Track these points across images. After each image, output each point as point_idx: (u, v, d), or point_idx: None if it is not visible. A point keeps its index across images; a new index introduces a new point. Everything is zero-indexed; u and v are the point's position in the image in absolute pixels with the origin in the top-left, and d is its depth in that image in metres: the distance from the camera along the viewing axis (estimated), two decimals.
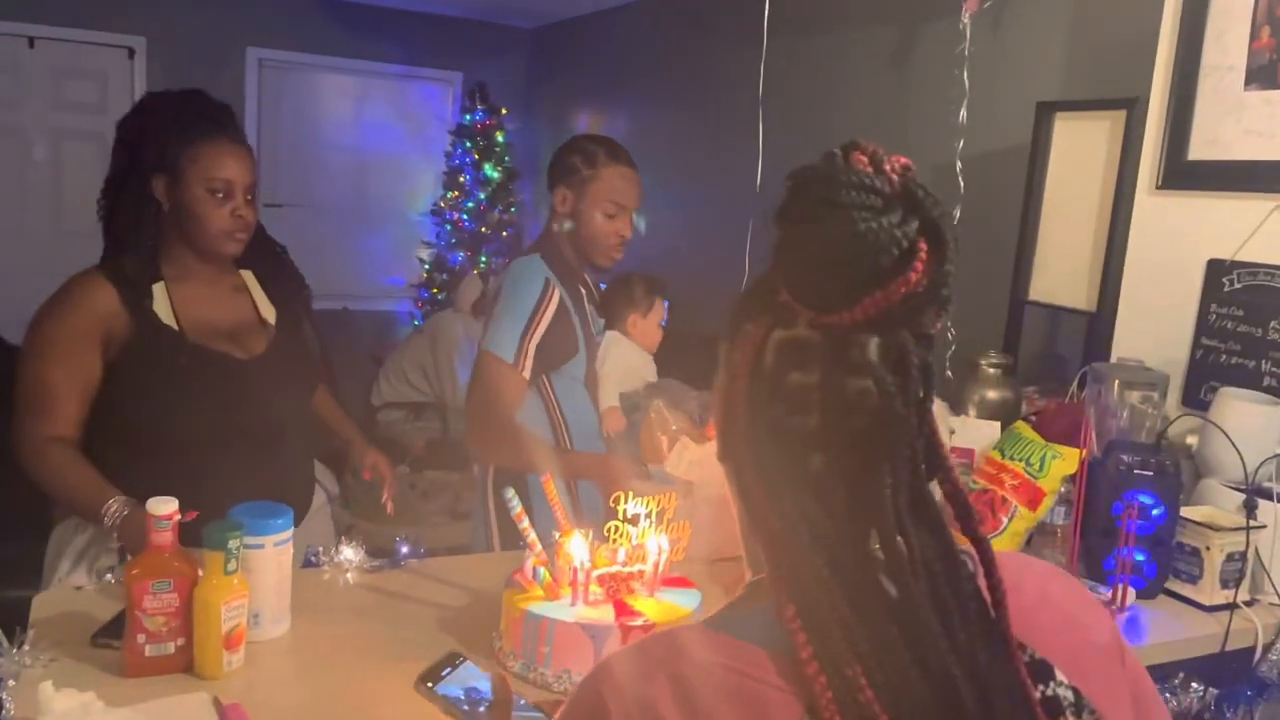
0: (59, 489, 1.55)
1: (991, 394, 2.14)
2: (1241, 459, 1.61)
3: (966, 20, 2.66)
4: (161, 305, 1.62)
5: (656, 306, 2.94)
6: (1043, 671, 0.70)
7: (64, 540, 1.64)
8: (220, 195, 1.62)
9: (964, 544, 0.68)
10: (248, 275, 1.79)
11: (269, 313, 1.78)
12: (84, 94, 5.47)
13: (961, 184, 2.71)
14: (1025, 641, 0.69)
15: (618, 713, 0.63)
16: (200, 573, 1.17)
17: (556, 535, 1.29)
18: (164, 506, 1.16)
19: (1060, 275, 2.48)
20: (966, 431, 1.88)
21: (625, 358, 2.98)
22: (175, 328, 1.62)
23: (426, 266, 5.93)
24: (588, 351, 2.05)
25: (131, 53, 5.46)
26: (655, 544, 1.28)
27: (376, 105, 6.12)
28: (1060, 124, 2.47)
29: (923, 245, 0.62)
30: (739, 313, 0.71)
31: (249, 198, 1.66)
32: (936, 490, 0.68)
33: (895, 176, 0.64)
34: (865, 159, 0.65)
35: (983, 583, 0.67)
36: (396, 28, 5.89)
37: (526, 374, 1.89)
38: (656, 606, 1.25)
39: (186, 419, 1.60)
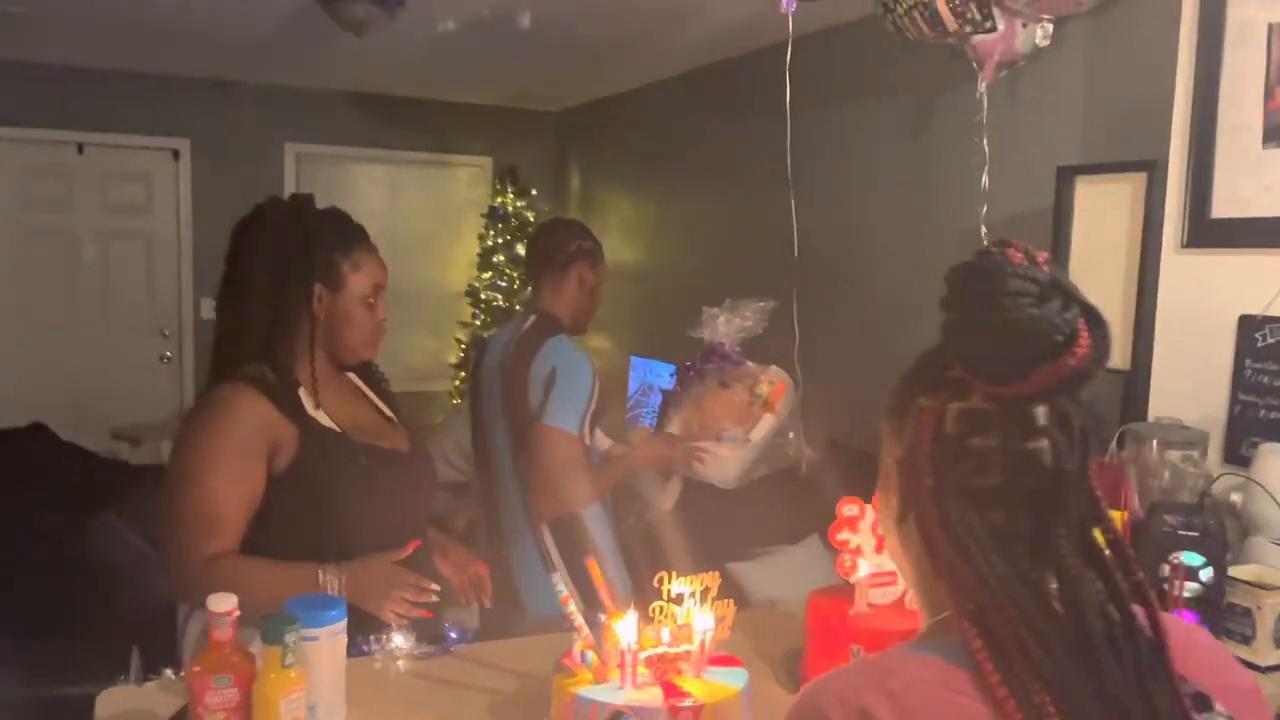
0: (250, 598, 1.43)
1: None
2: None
3: (983, 89, 2.72)
4: (319, 410, 1.64)
5: None
6: (1202, 702, 0.78)
7: (196, 630, 1.65)
8: (371, 302, 1.68)
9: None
10: (353, 377, 1.82)
11: (389, 410, 1.82)
12: (131, 196, 5.69)
13: None
14: (1185, 675, 0.77)
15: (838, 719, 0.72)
16: (259, 667, 1.21)
17: (603, 617, 1.31)
18: (224, 603, 1.20)
19: None
20: None
21: None
22: (339, 430, 1.64)
23: (463, 346, 6.03)
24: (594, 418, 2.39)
25: (176, 154, 5.68)
26: (701, 623, 1.29)
27: (410, 192, 6.30)
28: (1081, 187, 2.51)
29: (1083, 327, 0.74)
30: (907, 390, 0.84)
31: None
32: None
33: (1045, 268, 0.76)
34: (1020, 254, 0.76)
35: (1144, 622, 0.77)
36: (427, 117, 6.08)
37: (588, 442, 2.28)
38: (704, 686, 1.26)
39: (368, 518, 1.61)
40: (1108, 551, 0.78)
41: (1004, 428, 0.76)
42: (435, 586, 1.54)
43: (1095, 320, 0.75)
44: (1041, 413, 0.76)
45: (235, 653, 1.20)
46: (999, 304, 0.75)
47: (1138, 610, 0.77)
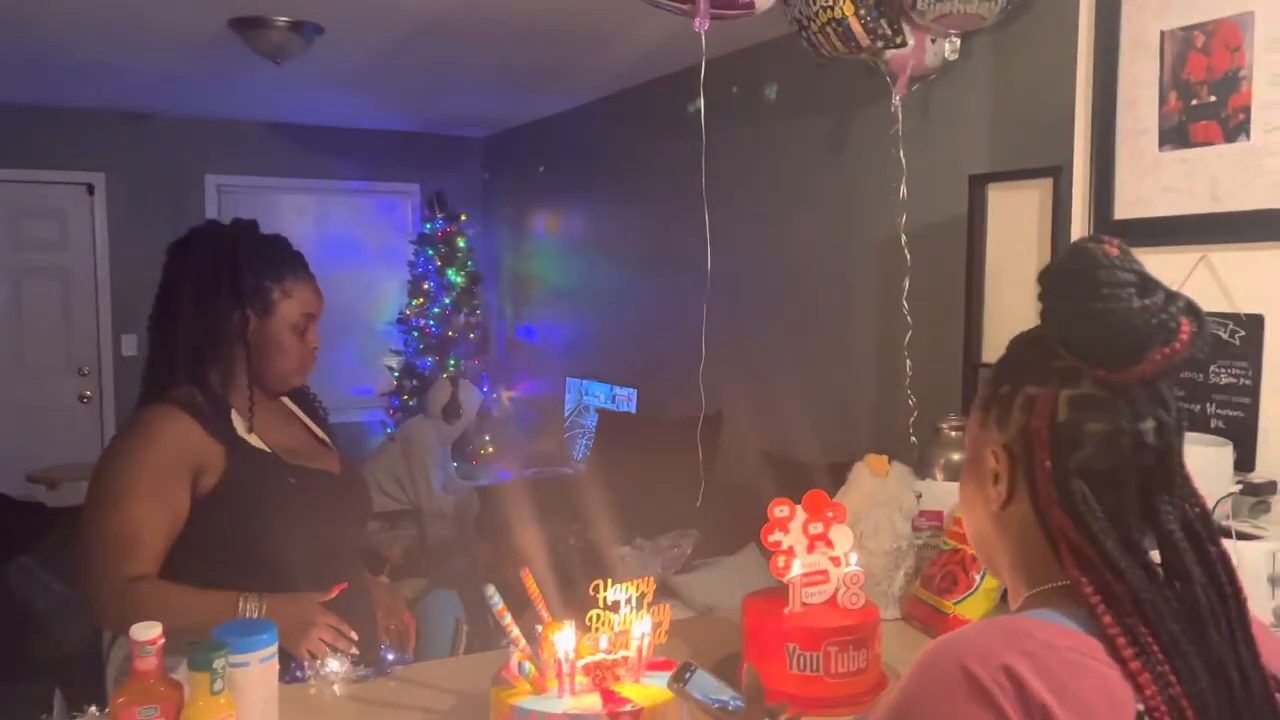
0: (167, 622, 1.41)
1: (955, 456, 2.18)
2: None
3: (897, 102, 2.80)
4: (249, 432, 1.62)
5: None
6: (1277, 684, 0.84)
7: (118, 658, 1.61)
8: (300, 329, 1.66)
9: None
10: (287, 401, 1.80)
11: (321, 433, 1.80)
12: (44, 231, 5.53)
13: (908, 256, 2.81)
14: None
15: (985, 677, 0.74)
16: (186, 695, 1.18)
17: (539, 628, 1.31)
18: (148, 631, 1.17)
19: (1008, 336, 2.56)
20: (934, 494, 1.92)
21: None
22: (269, 451, 1.63)
23: (396, 374, 5.96)
24: None
25: (91, 188, 5.54)
26: (639, 629, 1.30)
27: (337, 220, 6.23)
28: (993, 194, 2.60)
29: (1184, 320, 0.80)
30: (1008, 380, 0.89)
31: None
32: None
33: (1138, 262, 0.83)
34: (1114, 248, 0.83)
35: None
36: (351, 146, 6.04)
37: None
38: (643, 691, 1.27)
39: (297, 539, 1.58)
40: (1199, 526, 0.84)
41: (1116, 411, 0.82)
42: (353, 635, 1.51)
43: (1194, 310, 0.81)
44: (1150, 395, 0.83)
45: (161, 682, 1.17)
46: (1107, 294, 0.80)
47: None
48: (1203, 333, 0.81)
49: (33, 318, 5.49)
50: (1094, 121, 2.15)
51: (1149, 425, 0.83)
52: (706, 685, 1.18)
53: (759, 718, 1.10)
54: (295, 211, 6.06)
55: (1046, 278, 0.86)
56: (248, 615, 1.46)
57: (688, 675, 1.19)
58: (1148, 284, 0.82)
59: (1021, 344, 0.92)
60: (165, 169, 5.60)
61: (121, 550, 1.51)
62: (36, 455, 4.83)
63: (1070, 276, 0.84)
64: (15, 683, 2.29)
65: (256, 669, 1.26)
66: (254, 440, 1.63)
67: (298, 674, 1.51)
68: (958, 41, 2.70)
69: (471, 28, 3.74)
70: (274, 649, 1.29)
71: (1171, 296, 0.81)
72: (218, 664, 1.17)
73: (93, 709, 1.40)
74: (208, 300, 1.62)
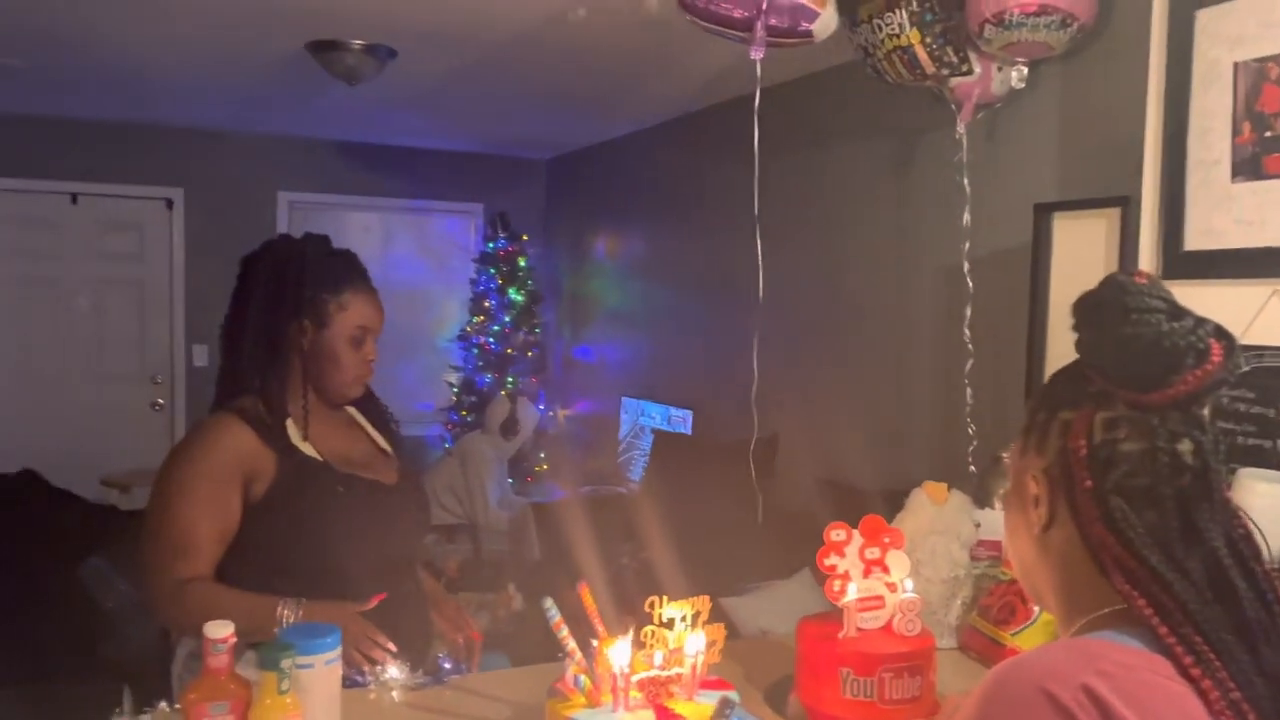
0: (207, 620, 1.54)
1: None
2: (1264, 539, 1.62)
3: (962, 130, 2.79)
4: (300, 440, 1.66)
5: None
6: None
7: (191, 655, 1.65)
8: (358, 341, 1.69)
9: None
10: (352, 410, 1.84)
11: (384, 444, 1.83)
12: (124, 244, 5.73)
13: (970, 284, 2.80)
14: None
15: (1067, 698, 0.75)
16: (254, 694, 1.22)
17: (595, 642, 1.33)
18: (220, 630, 1.21)
19: None
20: (993, 524, 1.91)
21: None
22: (321, 460, 1.66)
23: (455, 390, 6.05)
24: None
25: (170, 203, 5.74)
26: (693, 645, 1.31)
27: (402, 238, 6.36)
28: (1059, 223, 2.57)
29: (1214, 342, 0.82)
30: (1045, 407, 0.92)
31: (374, 342, 1.74)
32: None
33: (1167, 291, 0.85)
34: (1144, 278, 0.86)
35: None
36: (418, 165, 6.17)
37: None
38: (696, 709, 1.28)
39: (346, 547, 1.61)
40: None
41: (1151, 432, 0.84)
42: (390, 646, 1.52)
43: (1224, 334, 0.84)
44: (1184, 417, 0.85)
45: (231, 680, 1.22)
46: (1136, 319, 0.83)
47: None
48: (1233, 355, 0.83)
49: (111, 327, 5.69)
50: (1164, 152, 2.12)
51: (1186, 446, 0.84)
52: None
53: None
54: (362, 229, 6.20)
55: (1079, 307, 0.89)
56: (285, 621, 1.49)
57: (728, 712, 1.20)
58: (1177, 310, 0.84)
59: (1058, 374, 0.95)
60: (240, 185, 5.78)
61: (175, 552, 1.57)
62: (110, 459, 4.99)
63: (1100, 304, 0.87)
64: (85, 681, 2.36)
65: (321, 671, 1.30)
66: (307, 449, 1.67)
67: (358, 679, 1.54)
68: (1025, 70, 2.69)
69: (538, 53, 3.81)
70: (338, 652, 1.33)
71: (1201, 321, 0.84)
72: (285, 664, 1.21)
73: (163, 704, 1.45)
74: (269, 312, 1.67)
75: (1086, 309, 0.89)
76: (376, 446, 1.84)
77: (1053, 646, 0.86)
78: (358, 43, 3.69)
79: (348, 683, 1.54)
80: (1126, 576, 0.84)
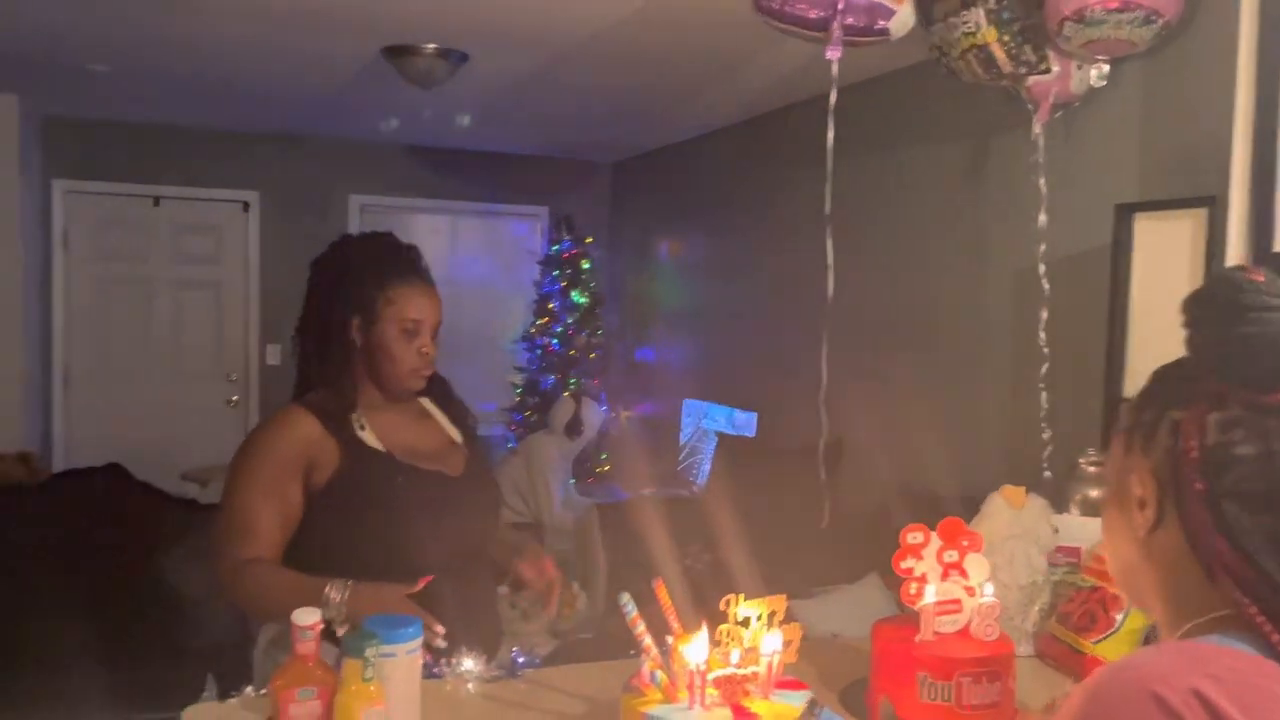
0: (266, 600, 1.60)
1: (1093, 492, 2.12)
2: None
3: (1038, 129, 2.74)
4: (365, 431, 1.70)
5: None
6: None
7: (271, 643, 1.71)
8: (412, 334, 1.72)
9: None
10: (426, 401, 1.87)
11: (455, 435, 1.86)
12: (203, 246, 5.91)
13: (1046, 286, 2.75)
14: None
15: (1177, 701, 0.73)
16: (339, 681, 1.25)
17: (669, 639, 1.33)
18: (308, 617, 1.24)
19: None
20: (1071, 529, 1.87)
21: None
22: (383, 450, 1.70)
23: (519, 390, 6.11)
24: None
25: (246, 206, 5.90)
26: (768, 645, 1.31)
27: (469, 240, 6.45)
28: (1140, 224, 2.51)
29: None
30: (1150, 406, 0.89)
31: (435, 335, 1.76)
32: None
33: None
34: (1260, 276, 0.83)
35: None
36: (485, 169, 6.25)
37: None
38: (771, 708, 1.28)
39: (404, 536, 1.65)
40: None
41: (1268, 433, 0.82)
42: (440, 629, 1.53)
43: None
44: None
45: (318, 666, 1.25)
46: (1254, 318, 0.81)
47: None
48: None
49: (190, 327, 5.87)
50: (1254, 150, 2.07)
51: None
52: None
53: None
54: (431, 231, 6.29)
55: (1190, 305, 0.87)
56: (331, 601, 1.51)
57: (817, 712, 1.20)
58: None
59: (1165, 372, 0.92)
60: (313, 188, 5.91)
61: (237, 534, 1.63)
62: (189, 454, 5.14)
63: (1214, 302, 0.85)
64: (169, 669, 2.44)
65: (403, 660, 1.32)
66: (370, 439, 1.70)
67: (434, 670, 1.57)
68: (1106, 68, 2.63)
69: (609, 54, 3.84)
70: (419, 642, 1.36)
71: None
72: (370, 653, 1.23)
73: (249, 689, 1.50)
74: (325, 310, 1.74)
75: (1199, 306, 0.86)
76: (448, 438, 1.86)
77: (1160, 649, 0.84)
78: (431, 47, 3.75)
79: (424, 674, 1.57)
80: (1238, 582, 0.82)
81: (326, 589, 1.53)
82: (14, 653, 2.52)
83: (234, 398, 5.85)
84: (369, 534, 1.65)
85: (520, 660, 1.61)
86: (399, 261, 1.75)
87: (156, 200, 5.77)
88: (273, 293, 5.71)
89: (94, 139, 5.49)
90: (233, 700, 1.47)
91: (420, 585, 1.54)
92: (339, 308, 1.72)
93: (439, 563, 1.65)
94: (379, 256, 1.76)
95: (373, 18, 3.47)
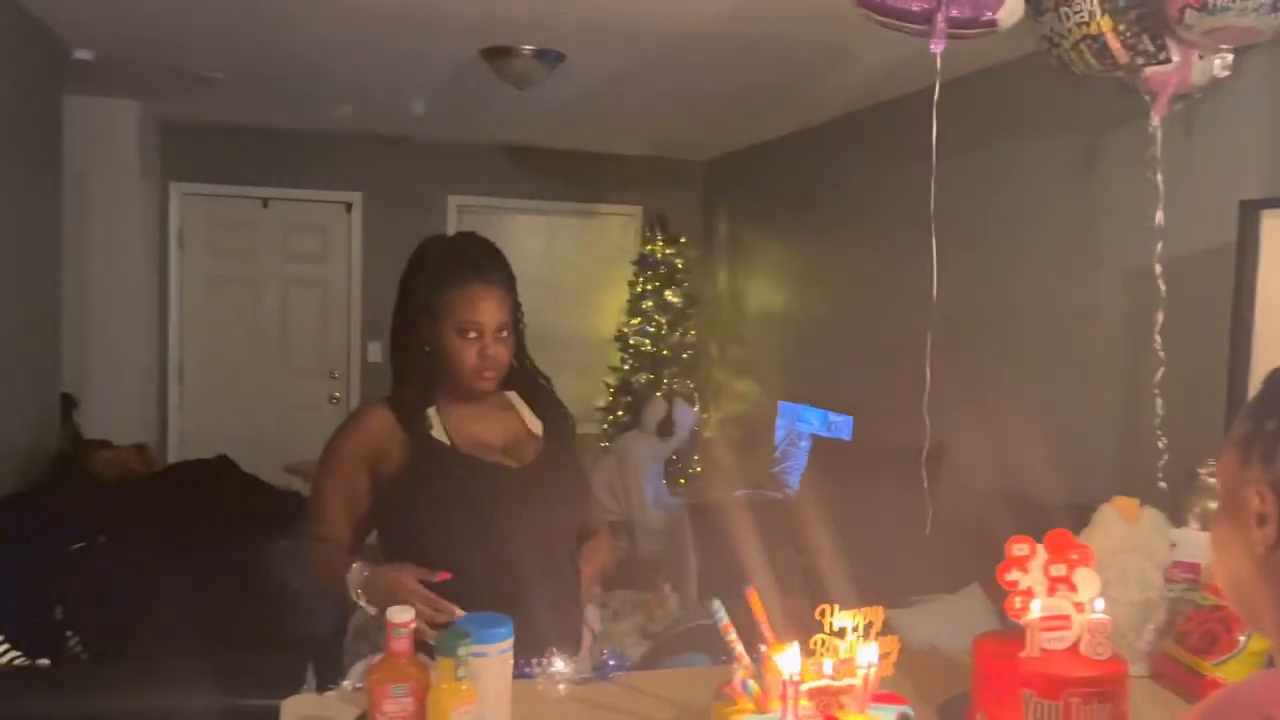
0: (321, 574, 1.72)
1: (1214, 505, 2.00)
2: None
3: (1156, 123, 2.61)
4: (436, 425, 1.76)
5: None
6: None
7: (357, 632, 1.78)
8: (473, 336, 1.73)
9: None
10: (513, 395, 1.88)
11: (536, 426, 1.86)
12: (309, 246, 6.10)
13: (1163, 287, 2.61)
14: None
15: None
16: (433, 678, 1.26)
17: (763, 648, 1.30)
18: (403, 614, 1.26)
19: None
20: (1190, 544, 1.77)
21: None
22: (448, 443, 1.74)
23: (612, 390, 6.13)
24: None
25: (349, 207, 6.06)
26: (865, 657, 1.27)
27: (565, 240, 6.50)
28: (1268, 221, 2.37)
29: None
30: (1266, 417, 0.86)
31: (503, 334, 1.76)
32: None
33: None
34: None
35: None
36: (578, 168, 6.28)
37: None
38: None
39: (457, 528, 1.68)
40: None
41: None
42: (456, 611, 1.52)
43: None
44: None
45: (411, 663, 1.26)
46: None
47: None
48: None
49: (296, 324, 6.07)
50: None
51: None
52: None
53: None
54: (528, 231, 6.36)
55: None
56: (353, 579, 1.59)
57: None
58: None
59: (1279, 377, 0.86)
60: (413, 189, 6.04)
61: (313, 517, 1.77)
62: (293, 448, 5.30)
63: None
64: (273, 656, 2.51)
65: (495, 659, 1.33)
66: (437, 433, 1.75)
67: (525, 670, 1.57)
68: (1230, 57, 2.49)
69: (705, 49, 3.81)
70: (510, 642, 1.36)
71: None
72: (463, 651, 1.24)
73: (346, 683, 1.53)
74: (399, 311, 1.80)
75: None
76: (526, 431, 1.85)
77: (1276, 672, 0.78)
78: (528, 48, 3.78)
79: (516, 674, 1.57)
80: None
81: (350, 569, 1.61)
82: (125, 636, 2.63)
83: (336, 394, 6.02)
84: (430, 524, 1.69)
85: (611, 663, 1.61)
86: (461, 263, 1.76)
87: (266, 201, 5.97)
88: (374, 291, 5.85)
89: (208, 143, 5.71)
90: (330, 693, 1.50)
91: (439, 578, 1.57)
92: (409, 309, 1.78)
93: (511, 555, 1.67)
94: (443, 258, 1.79)
95: (472, 19, 3.51)
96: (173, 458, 5.34)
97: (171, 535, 3.08)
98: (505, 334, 1.77)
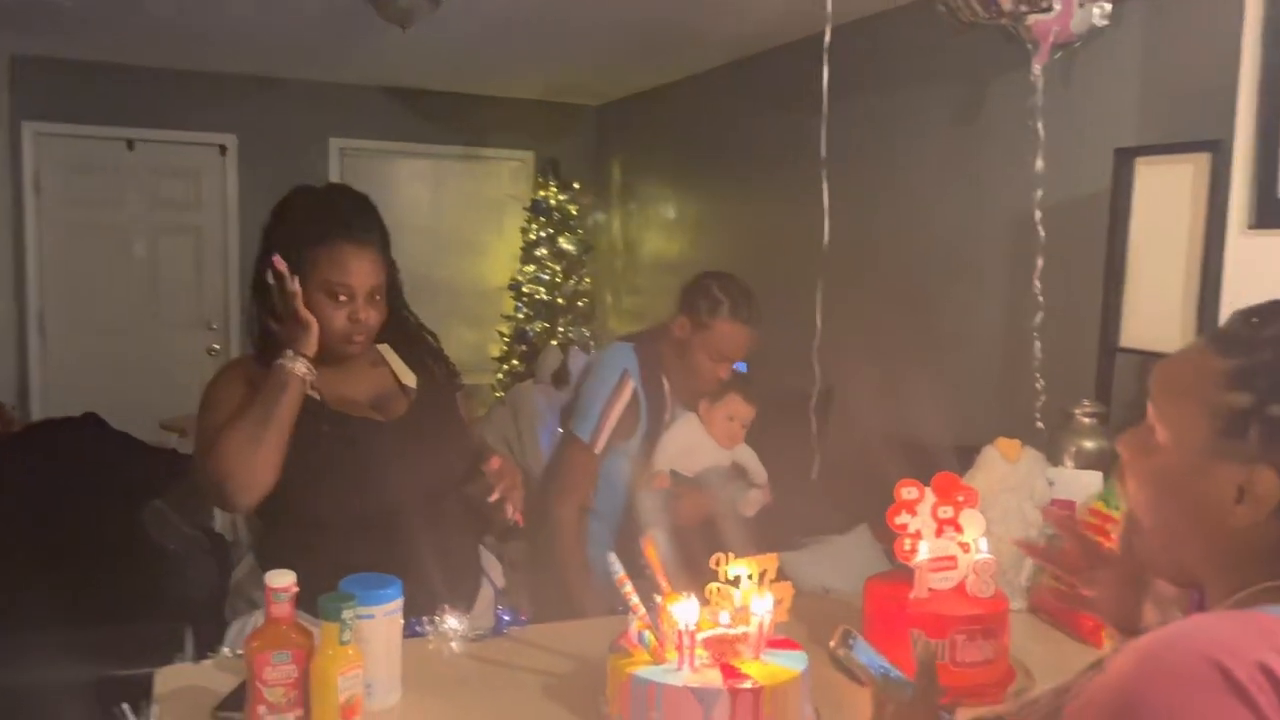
0: (236, 438, 1.54)
1: (1088, 444, 2.08)
2: None
3: (1037, 71, 2.66)
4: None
5: (726, 401, 2.80)
6: None
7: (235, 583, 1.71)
8: (341, 299, 1.63)
9: None
10: (384, 348, 1.79)
11: (409, 379, 1.77)
12: (179, 191, 5.77)
13: (1042, 233, 2.69)
14: None
15: (1243, 675, 0.69)
16: (316, 643, 1.21)
17: (658, 599, 1.29)
18: (282, 579, 1.19)
19: (1152, 319, 2.43)
20: (1066, 483, 1.84)
21: (685, 437, 2.89)
22: (317, 398, 1.65)
23: (506, 339, 6.05)
24: (648, 434, 2.42)
25: (223, 150, 5.75)
26: (760, 605, 1.27)
27: (452, 186, 6.32)
28: (1141, 168, 2.45)
29: None
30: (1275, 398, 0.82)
31: (376, 298, 1.66)
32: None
33: None
34: None
35: None
36: (468, 112, 6.10)
37: (598, 450, 2.35)
38: (763, 669, 1.24)
39: (329, 485, 1.61)
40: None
41: None
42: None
43: None
44: None
45: (293, 629, 1.20)
46: None
47: None
48: None
49: (167, 273, 5.75)
50: (1261, 92, 2.00)
51: None
52: (869, 652, 1.21)
53: (930, 688, 1.06)
54: (412, 176, 6.16)
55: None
56: (294, 372, 1.57)
57: (851, 641, 1.21)
58: None
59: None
60: (292, 132, 5.76)
61: (201, 447, 1.59)
62: (168, 403, 5.06)
63: None
64: (148, 621, 2.40)
65: (382, 622, 1.28)
66: (308, 389, 1.63)
67: (417, 629, 1.53)
68: (1109, 6, 2.55)
69: None
70: (399, 603, 1.31)
71: None
72: (347, 615, 1.19)
73: (225, 650, 1.46)
74: (258, 263, 1.67)
75: None
76: (397, 383, 1.78)
77: (1219, 618, 0.78)
78: None
79: (407, 633, 1.52)
80: None
81: (284, 362, 1.57)
82: None
83: (215, 346, 5.76)
84: (296, 480, 1.59)
85: (505, 618, 1.58)
86: (331, 219, 1.65)
87: (130, 143, 5.61)
88: (253, 239, 5.46)
89: (64, 78, 5.32)
90: (207, 662, 1.43)
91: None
92: (265, 263, 1.64)
93: (387, 509, 1.61)
94: (310, 211, 1.67)
95: None
96: (36, 416, 5.04)
97: (36, 498, 2.91)
98: (378, 297, 1.67)
